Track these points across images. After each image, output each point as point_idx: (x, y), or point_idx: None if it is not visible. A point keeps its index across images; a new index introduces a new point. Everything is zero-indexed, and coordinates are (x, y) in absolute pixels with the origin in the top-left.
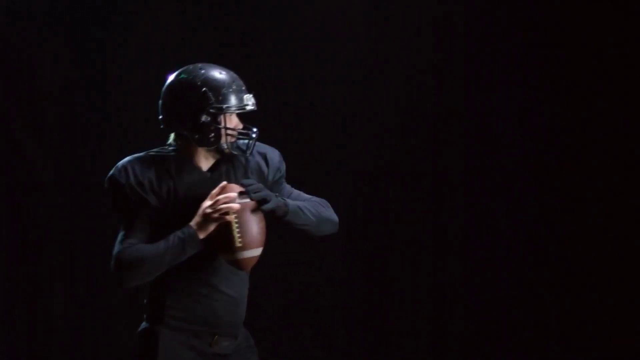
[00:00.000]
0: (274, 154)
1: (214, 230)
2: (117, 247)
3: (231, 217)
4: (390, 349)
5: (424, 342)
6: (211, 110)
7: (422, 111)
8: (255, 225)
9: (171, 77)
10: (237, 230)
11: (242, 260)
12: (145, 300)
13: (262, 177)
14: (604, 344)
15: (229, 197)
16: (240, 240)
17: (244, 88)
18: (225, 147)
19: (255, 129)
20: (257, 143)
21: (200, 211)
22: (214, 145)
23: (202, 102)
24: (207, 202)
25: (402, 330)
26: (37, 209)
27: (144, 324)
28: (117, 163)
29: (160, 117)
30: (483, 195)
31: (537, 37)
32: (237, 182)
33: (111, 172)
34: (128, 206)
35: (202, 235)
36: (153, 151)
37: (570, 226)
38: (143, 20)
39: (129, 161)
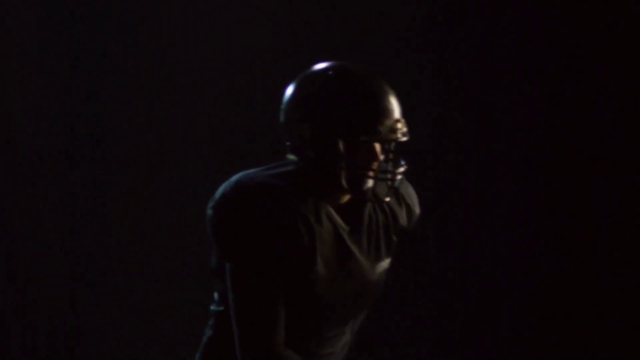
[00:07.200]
0: (414, 199)
1: None
2: (261, 340)
3: None
4: (390, 348)
5: (423, 342)
6: (333, 134)
7: (421, 110)
8: None
9: (308, 72)
10: None
11: None
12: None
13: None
14: (605, 344)
15: None
16: None
17: (394, 114)
18: (346, 185)
19: (402, 164)
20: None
21: None
22: (334, 180)
23: (325, 120)
24: None
25: (402, 329)
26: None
27: None
28: (231, 188)
29: (283, 118)
30: (482, 194)
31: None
32: (381, 251)
33: (238, 203)
34: (266, 269)
35: None
36: (279, 176)
37: (570, 226)
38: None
39: (269, 196)
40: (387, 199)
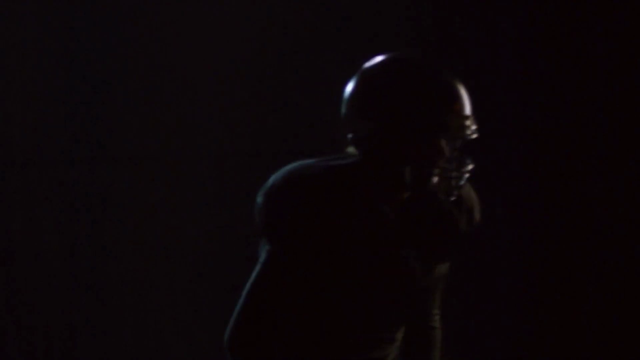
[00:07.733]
0: (475, 203)
1: None
2: (254, 328)
3: None
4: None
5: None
6: (399, 128)
7: None
8: None
9: (373, 64)
10: None
11: None
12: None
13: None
14: (605, 345)
15: None
16: None
17: (463, 110)
18: (409, 181)
19: (469, 163)
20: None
21: None
22: (396, 176)
23: (391, 113)
24: None
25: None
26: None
27: None
28: (286, 175)
29: (345, 112)
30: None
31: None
32: (436, 255)
33: (289, 194)
34: (302, 260)
35: None
36: (334, 169)
37: (570, 226)
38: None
39: (319, 188)
40: (452, 198)
